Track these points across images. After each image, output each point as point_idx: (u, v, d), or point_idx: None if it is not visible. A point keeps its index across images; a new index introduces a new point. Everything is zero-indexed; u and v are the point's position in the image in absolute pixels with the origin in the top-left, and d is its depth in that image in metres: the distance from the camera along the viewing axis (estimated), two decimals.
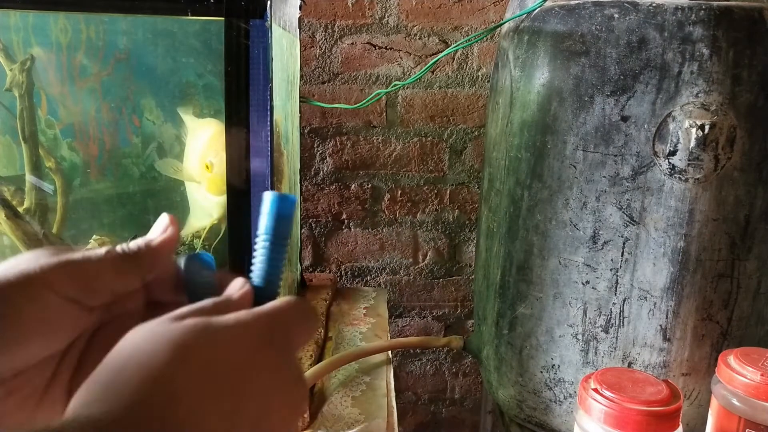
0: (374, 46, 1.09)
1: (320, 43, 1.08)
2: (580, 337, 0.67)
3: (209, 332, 0.23)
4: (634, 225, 0.63)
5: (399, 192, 1.15)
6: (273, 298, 0.30)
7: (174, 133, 0.80)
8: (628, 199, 0.62)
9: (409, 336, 1.20)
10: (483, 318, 0.80)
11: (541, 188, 0.67)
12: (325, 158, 1.13)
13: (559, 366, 0.70)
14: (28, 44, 0.73)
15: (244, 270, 0.31)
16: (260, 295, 0.29)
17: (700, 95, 0.59)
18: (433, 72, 1.10)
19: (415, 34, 1.09)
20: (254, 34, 0.54)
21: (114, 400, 0.20)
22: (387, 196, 1.15)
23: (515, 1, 0.74)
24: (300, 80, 0.96)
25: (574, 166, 0.64)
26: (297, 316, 0.27)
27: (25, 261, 0.26)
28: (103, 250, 0.28)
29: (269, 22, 0.54)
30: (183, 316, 0.24)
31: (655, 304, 0.64)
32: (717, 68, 0.58)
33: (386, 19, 1.08)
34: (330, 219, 1.15)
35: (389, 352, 0.78)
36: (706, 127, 0.58)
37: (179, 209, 0.80)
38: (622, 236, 0.63)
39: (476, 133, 1.13)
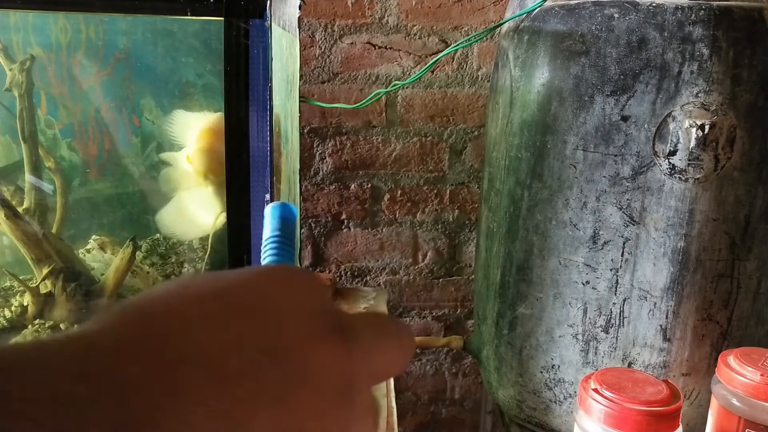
0: (374, 46, 1.09)
1: (320, 42, 1.08)
2: (580, 337, 0.67)
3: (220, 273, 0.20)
4: (634, 225, 0.63)
5: (399, 192, 1.15)
6: None
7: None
8: (628, 199, 0.62)
9: None
10: (483, 318, 0.80)
11: (541, 188, 0.67)
12: (325, 158, 1.13)
13: (559, 366, 0.70)
14: (28, 44, 0.73)
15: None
16: None
17: (700, 95, 0.59)
18: (432, 72, 1.10)
19: (415, 34, 1.09)
20: (254, 33, 0.54)
21: (132, 326, 0.17)
22: (387, 196, 1.15)
23: (515, 1, 0.74)
24: (300, 80, 0.96)
25: (574, 166, 0.64)
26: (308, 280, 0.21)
27: None
28: None
29: (269, 22, 0.54)
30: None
31: (655, 304, 0.64)
32: (717, 68, 0.58)
33: (386, 18, 1.08)
34: (330, 219, 1.15)
35: None
36: (706, 127, 0.58)
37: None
38: (622, 236, 0.63)
39: (476, 133, 1.13)
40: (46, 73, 0.75)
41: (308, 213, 1.15)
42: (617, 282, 0.64)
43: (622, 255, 0.64)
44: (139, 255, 0.78)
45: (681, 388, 0.64)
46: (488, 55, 1.10)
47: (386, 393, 0.67)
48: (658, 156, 0.60)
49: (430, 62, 0.83)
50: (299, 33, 0.87)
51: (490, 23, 1.08)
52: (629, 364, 0.66)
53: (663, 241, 0.62)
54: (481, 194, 0.84)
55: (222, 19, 0.54)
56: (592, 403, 0.50)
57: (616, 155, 0.62)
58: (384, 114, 1.12)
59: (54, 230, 0.78)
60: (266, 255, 0.29)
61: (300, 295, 0.20)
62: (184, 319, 0.17)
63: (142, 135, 0.80)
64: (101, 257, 0.79)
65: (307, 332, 0.19)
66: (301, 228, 1.11)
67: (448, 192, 1.15)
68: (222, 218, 0.75)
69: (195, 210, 0.77)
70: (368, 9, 1.07)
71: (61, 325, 0.74)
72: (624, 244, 0.63)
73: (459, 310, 1.22)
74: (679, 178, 0.60)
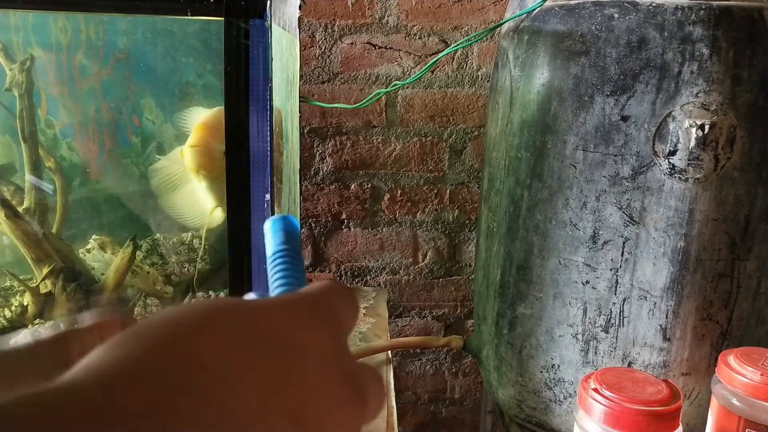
0: (374, 46, 1.09)
1: (320, 42, 1.08)
2: (580, 336, 0.67)
3: (245, 306, 0.20)
4: (634, 225, 0.63)
5: (399, 192, 1.15)
6: None
7: (174, 133, 0.80)
8: (628, 199, 0.62)
9: (408, 336, 1.20)
10: (483, 318, 0.80)
11: (541, 188, 0.67)
12: (325, 158, 1.13)
13: (559, 366, 0.70)
14: (28, 44, 0.73)
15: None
16: None
17: (700, 95, 0.59)
18: (432, 72, 1.10)
19: (415, 34, 1.09)
20: (254, 33, 0.54)
21: (132, 345, 0.17)
22: (387, 196, 1.15)
23: (515, 1, 0.74)
24: (300, 80, 0.96)
25: (574, 166, 0.64)
26: (339, 297, 0.23)
27: None
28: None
29: (269, 22, 0.54)
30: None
31: (655, 304, 0.64)
32: (717, 68, 0.58)
33: (386, 18, 1.08)
34: (330, 219, 1.15)
35: (389, 352, 0.78)
36: (706, 127, 0.58)
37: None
38: (622, 236, 0.63)
39: (476, 133, 1.13)
40: (46, 73, 0.75)
41: (308, 213, 1.15)
42: (617, 282, 0.64)
43: (622, 255, 0.64)
44: (139, 255, 0.78)
45: (681, 388, 0.64)
46: (488, 55, 1.10)
47: (386, 393, 0.67)
48: (658, 156, 0.60)
49: (430, 62, 0.83)
50: (299, 33, 0.87)
51: (490, 23, 1.08)
52: (629, 364, 0.66)
53: (663, 241, 0.62)
54: (481, 194, 0.84)
55: (222, 19, 0.54)
56: (592, 402, 0.50)
57: (616, 155, 0.62)
58: (384, 114, 1.12)
59: (54, 230, 0.78)
60: (275, 272, 0.28)
61: (323, 342, 0.21)
62: (211, 372, 0.17)
63: (142, 135, 0.80)
64: (101, 257, 0.79)
65: (329, 397, 0.20)
66: (301, 228, 1.11)
67: (448, 192, 1.15)
68: (216, 213, 0.75)
69: (191, 205, 0.77)
70: (368, 9, 1.07)
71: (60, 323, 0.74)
72: (624, 243, 0.63)
73: (459, 310, 1.22)
74: (679, 178, 0.60)
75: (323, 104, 1.03)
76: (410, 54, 1.09)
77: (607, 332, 0.66)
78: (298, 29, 0.83)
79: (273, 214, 0.58)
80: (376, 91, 0.87)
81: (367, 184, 1.14)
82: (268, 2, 0.54)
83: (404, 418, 1.26)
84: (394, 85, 0.89)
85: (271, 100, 0.56)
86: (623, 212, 0.63)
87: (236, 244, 0.57)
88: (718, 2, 0.59)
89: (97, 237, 0.81)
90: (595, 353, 0.67)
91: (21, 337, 0.70)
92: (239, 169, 0.56)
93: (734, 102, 0.59)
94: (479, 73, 1.11)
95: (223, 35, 0.54)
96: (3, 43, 0.72)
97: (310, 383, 0.19)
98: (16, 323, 0.73)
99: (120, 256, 0.75)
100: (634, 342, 0.65)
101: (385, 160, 1.13)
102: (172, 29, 0.71)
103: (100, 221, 0.82)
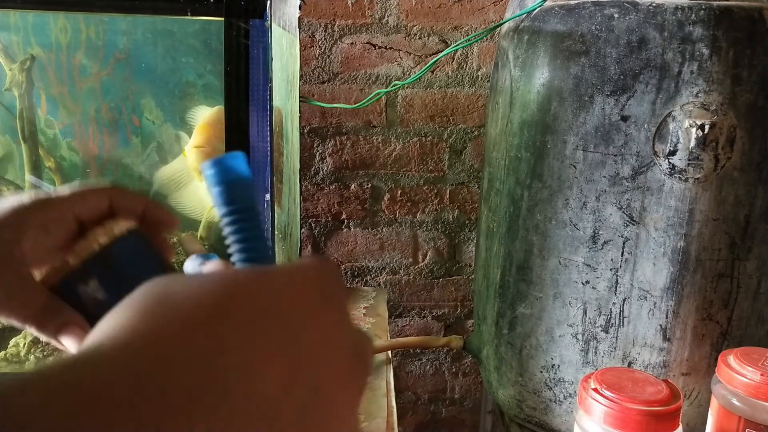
0: (374, 46, 1.09)
1: (320, 42, 1.08)
2: (580, 336, 0.67)
3: (261, 279, 0.20)
4: (634, 225, 0.63)
5: (399, 192, 1.15)
6: None
7: (174, 133, 0.80)
8: (628, 199, 0.62)
9: (408, 336, 1.20)
10: (483, 318, 0.80)
11: (541, 188, 0.67)
12: (325, 158, 1.13)
13: (559, 366, 0.70)
14: (28, 44, 0.73)
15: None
16: None
17: (700, 95, 0.59)
18: (432, 72, 1.10)
19: (415, 34, 1.09)
20: (254, 33, 0.54)
21: (152, 322, 0.17)
22: (387, 196, 1.15)
23: (515, 1, 0.74)
24: (300, 80, 0.96)
25: (574, 166, 0.64)
26: (335, 273, 0.24)
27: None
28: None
29: (269, 22, 0.54)
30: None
31: (655, 303, 0.64)
32: (717, 68, 0.58)
33: (386, 18, 1.08)
34: (330, 219, 1.15)
35: (389, 352, 0.78)
36: (706, 127, 0.58)
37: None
38: (622, 236, 0.63)
39: (476, 133, 1.13)
40: (46, 73, 0.75)
41: (308, 213, 1.15)
42: (617, 282, 0.64)
43: (622, 255, 0.64)
44: None
45: (681, 388, 0.64)
46: (488, 55, 1.10)
47: (386, 393, 0.67)
48: (658, 156, 0.60)
49: (430, 62, 0.83)
50: (299, 33, 0.87)
51: (490, 23, 1.08)
52: (629, 364, 0.66)
53: (663, 240, 0.62)
54: (481, 194, 0.84)
55: (222, 19, 0.54)
56: (592, 402, 0.50)
57: (616, 155, 0.62)
58: (384, 114, 1.12)
59: None
60: (231, 242, 0.26)
61: (333, 316, 0.22)
62: (238, 356, 0.17)
63: (142, 135, 0.80)
64: None
65: (341, 367, 0.21)
66: (301, 228, 1.11)
67: (448, 192, 1.15)
68: (213, 211, 0.75)
69: (193, 204, 0.77)
70: (368, 9, 1.07)
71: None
72: (624, 243, 0.63)
73: (459, 310, 1.22)
74: (679, 178, 0.60)
75: (323, 104, 1.03)
76: (410, 54, 1.09)
77: (607, 332, 0.66)
78: (298, 29, 0.83)
79: (273, 213, 0.58)
80: (376, 91, 0.87)
81: (367, 184, 1.14)
82: (268, 2, 0.54)
83: (404, 418, 1.27)
84: (394, 85, 0.89)
85: (271, 100, 0.56)
86: (623, 212, 0.63)
87: None
88: (718, 2, 0.59)
89: None
90: (595, 353, 0.67)
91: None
92: None
93: (734, 102, 0.59)
94: (479, 73, 1.11)
95: (223, 35, 0.54)
96: (3, 43, 0.72)
97: (326, 355, 0.20)
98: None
99: None
100: (634, 342, 0.65)
101: (385, 160, 1.13)
102: (172, 29, 0.71)
103: None
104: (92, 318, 0.28)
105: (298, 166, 0.89)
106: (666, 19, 0.59)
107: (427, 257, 1.18)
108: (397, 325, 1.22)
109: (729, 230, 0.62)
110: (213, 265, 0.29)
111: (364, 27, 1.08)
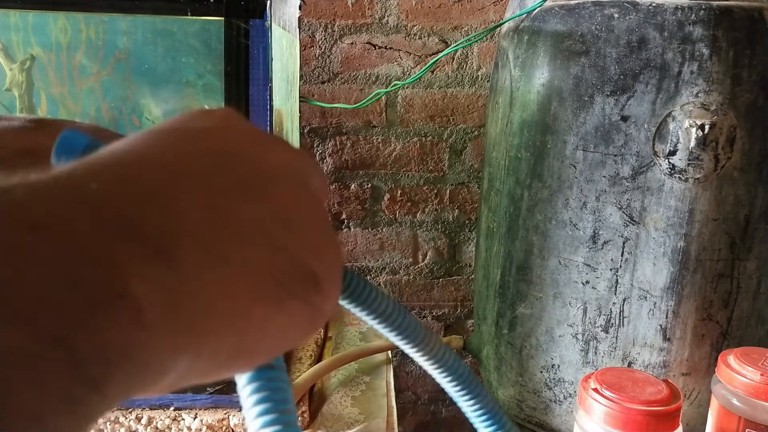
0: (374, 46, 1.09)
1: (320, 42, 1.08)
2: (580, 336, 0.67)
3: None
4: (634, 225, 0.63)
5: (399, 192, 1.15)
6: None
7: None
8: (628, 199, 0.62)
9: None
10: (483, 318, 0.80)
11: (541, 188, 0.67)
12: (325, 158, 1.13)
13: (559, 366, 0.70)
14: (28, 44, 0.73)
15: None
16: None
17: (700, 95, 0.59)
18: (432, 72, 1.10)
19: (415, 34, 1.09)
20: (254, 33, 0.54)
21: (164, 144, 0.17)
22: (387, 196, 1.15)
23: (515, 1, 0.74)
24: (300, 80, 0.96)
25: (574, 166, 0.64)
26: (318, 167, 0.23)
27: None
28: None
29: (269, 22, 0.54)
30: None
31: (655, 303, 0.64)
32: (717, 68, 0.58)
33: (386, 18, 1.08)
34: (330, 219, 1.15)
35: (389, 352, 0.78)
36: (706, 127, 0.58)
37: None
38: (622, 236, 0.63)
39: (476, 133, 1.13)
40: (46, 73, 0.75)
41: None
42: (617, 282, 0.64)
43: (622, 255, 0.64)
44: None
45: (681, 388, 0.64)
46: (488, 55, 1.10)
47: (386, 393, 0.67)
48: (658, 156, 0.60)
49: (430, 62, 0.83)
50: (299, 33, 0.87)
51: (490, 23, 1.08)
52: (629, 364, 0.66)
53: (663, 240, 0.62)
54: (481, 194, 0.84)
55: (222, 19, 0.54)
56: (592, 402, 0.50)
57: (616, 155, 0.62)
58: (384, 114, 1.12)
59: None
60: None
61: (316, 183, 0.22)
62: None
63: None
64: None
65: (253, 135, 0.20)
66: None
67: (448, 192, 1.15)
68: None
69: None
70: (368, 9, 1.07)
71: None
72: (624, 243, 0.63)
73: (459, 310, 1.22)
74: (679, 178, 0.60)
75: (323, 104, 1.03)
76: (410, 54, 1.09)
77: (607, 332, 0.66)
78: (298, 29, 0.83)
79: None
80: (376, 91, 0.87)
81: (367, 184, 1.14)
82: (268, 2, 0.54)
83: (404, 418, 1.26)
84: (394, 85, 0.89)
85: (271, 100, 0.56)
86: (623, 212, 0.63)
87: None
88: (718, 2, 0.59)
89: None
90: (595, 353, 0.67)
91: None
92: None
93: (734, 102, 0.59)
94: (479, 73, 1.11)
95: (223, 35, 0.54)
96: (3, 43, 0.72)
97: (285, 183, 0.20)
98: None
99: None
100: (634, 342, 0.65)
101: (385, 160, 1.13)
102: (172, 29, 0.71)
103: None
104: None
105: None
106: (666, 19, 0.59)
107: (427, 257, 1.18)
108: None
109: (729, 230, 0.62)
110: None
111: (364, 27, 1.08)
